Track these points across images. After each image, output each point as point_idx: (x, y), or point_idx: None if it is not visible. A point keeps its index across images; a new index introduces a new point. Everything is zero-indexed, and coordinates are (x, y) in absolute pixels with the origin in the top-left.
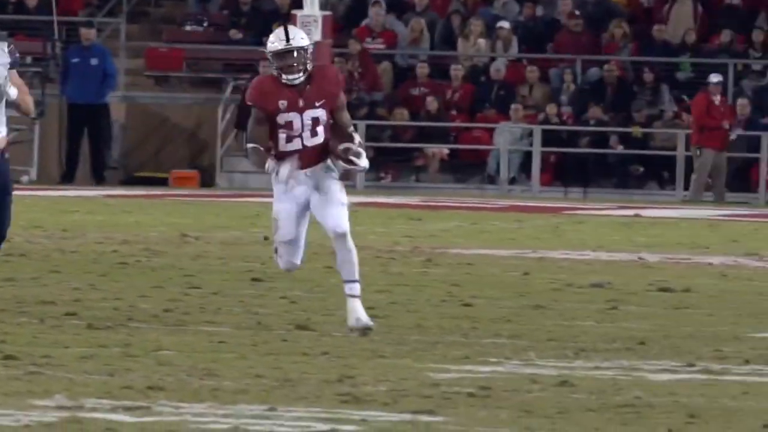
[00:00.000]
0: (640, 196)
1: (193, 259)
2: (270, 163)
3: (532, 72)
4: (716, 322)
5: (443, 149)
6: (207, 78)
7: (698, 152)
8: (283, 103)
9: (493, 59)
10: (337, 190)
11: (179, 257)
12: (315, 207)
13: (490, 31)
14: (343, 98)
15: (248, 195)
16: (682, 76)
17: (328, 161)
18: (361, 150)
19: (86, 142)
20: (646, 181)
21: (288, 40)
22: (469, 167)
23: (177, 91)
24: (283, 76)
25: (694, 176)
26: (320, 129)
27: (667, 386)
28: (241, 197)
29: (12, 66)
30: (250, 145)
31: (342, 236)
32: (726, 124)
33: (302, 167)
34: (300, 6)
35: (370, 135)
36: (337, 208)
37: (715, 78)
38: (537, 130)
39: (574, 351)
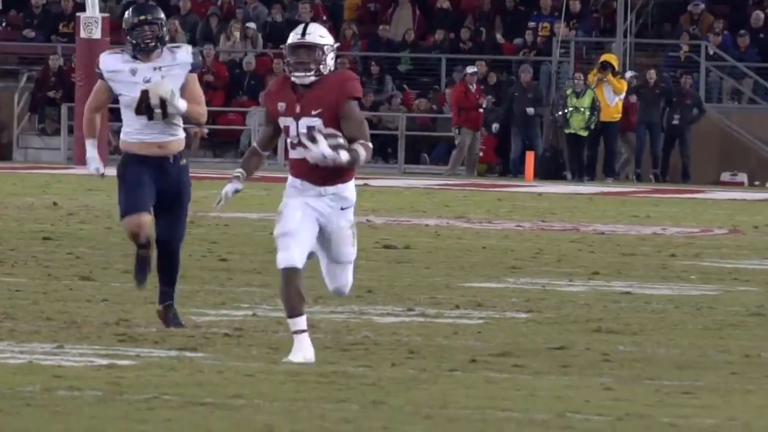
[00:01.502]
0: (369, 168)
1: None
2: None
3: (277, 64)
4: (431, 274)
5: (204, 129)
6: (5, 69)
7: (458, 131)
8: (281, 106)
9: (245, 54)
10: (348, 243)
11: None
12: (322, 245)
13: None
14: (349, 108)
15: (40, 168)
16: (403, 69)
17: (346, 190)
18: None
19: None
20: (374, 156)
21: (304, 35)
22: (225, 144)
23: None
24: (293, 74)
25: (454, 152)
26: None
27: (391, 327)
28: (34, 169)
29: (193, 69)
30: (251, 147)
31: (342, 295)
32: (484, 103)
33: (313, 181)
34: (83, 9)
35: None
36: (344, 267)
37: (470, 69)
38: None
39: (313, 298)
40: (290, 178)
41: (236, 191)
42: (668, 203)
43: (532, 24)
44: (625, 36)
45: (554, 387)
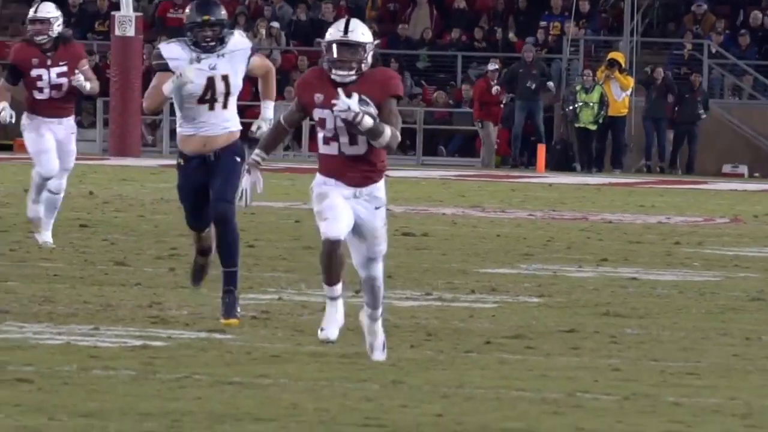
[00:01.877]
0: (389, 160)
1: None
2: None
3: (302, 61)
4: (448, 260)
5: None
6: None
7: (480, 125)
8: (318, 97)
9: (271, 51)
10: (382, 241)
11: (22, 207)
12: (356, 242)
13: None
14: (388, 104)
15: (77, 159)
16: (421, 66)
17: (377, 190)
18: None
19: None
20: None
21: (346, 32)
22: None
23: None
24: (333, 71)
25: (484, 146)
26: (361, 138)
27: (410, 311)
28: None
29: (253, 52)
30: (276, 120)
31: (374, 279)
32: (503, 99)
33: (346, 182)
34: (118, 8)
35: None
36: (377, 260)
37: (492, 66)
38: None
39: None
40: (319, 176)
41: (254, 183)
42: (673, 193)
43: (543, 23)
44: (631, 35)
45: (565, 368)
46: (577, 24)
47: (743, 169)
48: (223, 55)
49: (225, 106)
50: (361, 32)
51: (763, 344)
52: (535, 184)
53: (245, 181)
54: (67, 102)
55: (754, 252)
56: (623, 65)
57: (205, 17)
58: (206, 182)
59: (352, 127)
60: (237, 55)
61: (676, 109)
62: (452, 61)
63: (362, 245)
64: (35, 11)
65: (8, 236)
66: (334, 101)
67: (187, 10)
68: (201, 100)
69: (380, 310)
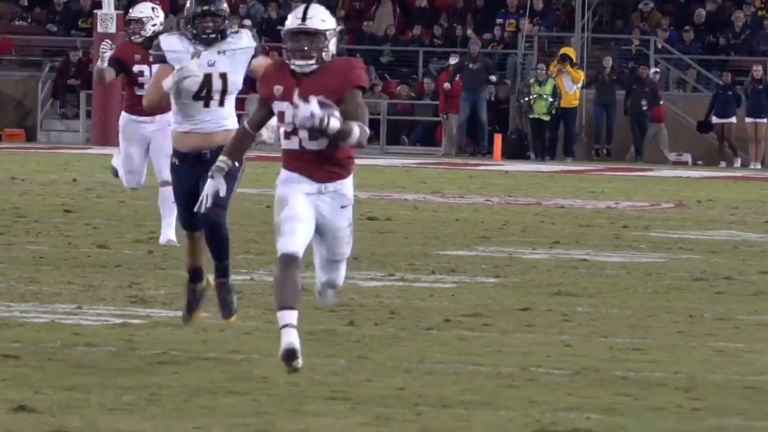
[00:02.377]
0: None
1: (20, 195)
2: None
3: (273, 58)
4: (410, 243)
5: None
6: (30, 60)
7: (446, 116)
8: (278, 89)
9: None
10: (346, 242)
11: (9, 194)
12: (318, 241)
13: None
14: (352, 96)
15: (61, 148)
16: (384, 60)
17: (344, 187)
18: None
19: None
20: None
21: (304, 19)
22: None
23: (8, 70)
24: (292, 61)
25: (445, 136)
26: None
27: (374, 290)
28: (56, 149)
29: (256, 53)
30: (241, 124)
31: (334, 287)
32: (494, 78)
33: (311, 177)
34: (100, 6)
35: None
36: (339, 264)
37: (453, 59)
38: None
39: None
40: (283, 172)
41: (217, 192)
42: (621, 180)
43: (499, 21)
44: (582, 31)
45: (519, 344)
46: (531, 21)
47: (687, 158)
48: (224, 52)
49: (221, 103)
50: (320, 19)
51: (706, 321)
52: (492, 171)
53: (208, 187)
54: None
55: (697, 235)
56: (574, 60)
57: (206, 7)
58: (199, 179)
59: (318, 132)
60: (239, 54)
61: (629, 100)
62: (414, 56)
63: (323, 246)
64: (131, 11)
65: None
66: (295, 102)
67: (187, 3)
68: (196, 97)
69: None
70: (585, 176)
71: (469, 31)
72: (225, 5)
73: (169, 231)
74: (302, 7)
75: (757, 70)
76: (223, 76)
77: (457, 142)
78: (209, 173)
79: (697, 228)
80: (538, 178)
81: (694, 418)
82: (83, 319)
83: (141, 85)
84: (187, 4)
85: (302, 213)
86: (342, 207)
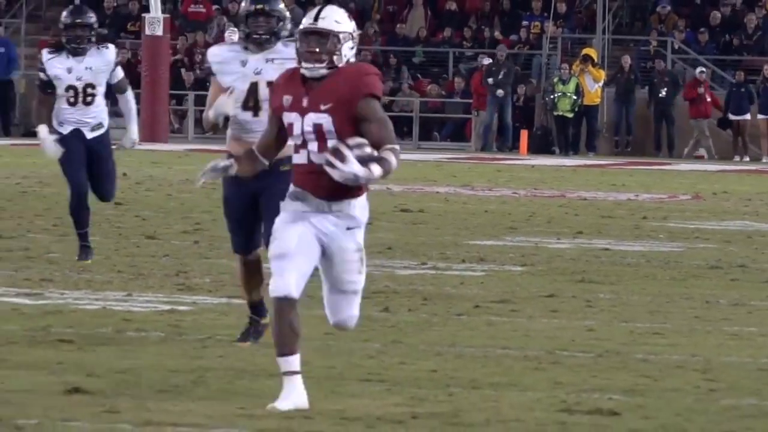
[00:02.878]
0: None
1: None
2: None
3: None
4: (441, 233)
5: None
6: None
7: (476, 113)
8: (287, 99)
9: None
10: (354, 269)
11: (64, 187)
12: (324, 269)
13: None
14: (369, 108)
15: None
16: (416, 61)
17: (353, 208)
18: (349, 156)
19: None
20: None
21: (316, 19)
22: None
23: None
24: (302, 64)
25: (475, 132)
26: (331, 144)
27: (408, 278)
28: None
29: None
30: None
31: (344, 330)
32: (500, 93)
33: (315, 192)
34: (147, 10)
35: None
36: (348, 298)
37: (486, 60)
38: None
39: None
40: (291, 186)
41: (224, 168)
42: (640, 173)
43: (525, 23)
44: (603, 33)
45: (545, 329)
46: (555, 23)
47: (703, 152)
48: (272, 61)
49: None
50: (334, 19)
51: (721, 307)
52: (519, 165)
53: (212, 163)
54: None
55: (713, 225)
56: (596, 60)
57: (259, 6)
58: (256, 195)
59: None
60: (288, 64)
61: (651, 94)
62: (444, 57)
63: (330, 273)
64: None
65: (52, 213)
66: (331, 161)
67: (243, 2)
68: (245, 107)
69: None
70: (606, 170)
71: (496, 33)
72: (281, 6)
73: None
74: (317, 7)
75: None
76: (270, 85)
77: (482, 141)
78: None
79: (712, 219)
80: (562, 172)
81: (710, 399)
82: (133, 305)
83: None
84: (242, 3)
85: (295, 246)
86: (348, 229)
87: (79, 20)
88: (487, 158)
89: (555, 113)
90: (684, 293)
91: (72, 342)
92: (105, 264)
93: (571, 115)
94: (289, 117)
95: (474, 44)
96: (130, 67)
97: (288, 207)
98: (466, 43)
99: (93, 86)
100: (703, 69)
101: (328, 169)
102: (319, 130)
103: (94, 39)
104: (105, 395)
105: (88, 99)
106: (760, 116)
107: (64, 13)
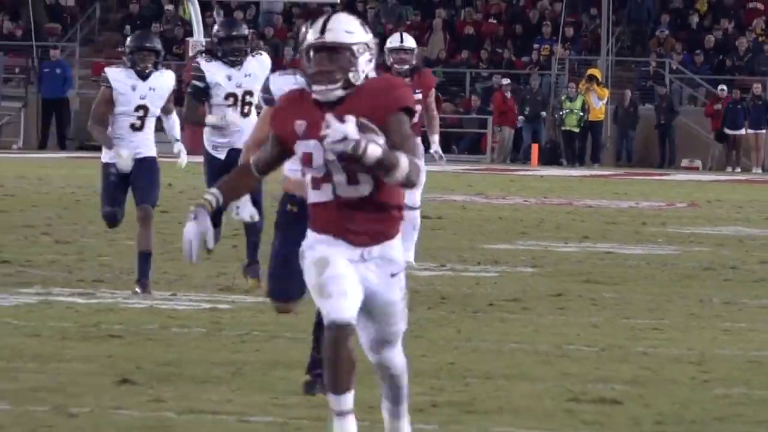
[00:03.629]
0: None
1: None
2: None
3: None
4: (459, 238)
5: None
6: None
7: (499, 129)
8: (300, 125)
9: None
10: (399, 318)
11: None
12: (363, 318)
13: None
14: (397, 122)
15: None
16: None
17: (392, 250)
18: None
19: (54, 123)
20: None
21: (323, 32)
22: None
23: None
24: (313, 87)
25: (497, 147)
26: (364, 174)
27: (427, 279)
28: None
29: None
30: (243, 161)
31: (390, 369)
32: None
33: (348, 240)
34: (191, 35)
35: None
36: (392, 347)
37: (505, 81)
38: None
39: None
40: (310, 235)
41: (203, 233)
42: (640, 183)
43: (536, 46)
44: (607, 55)
45: (553, 325)
46: (563, 46)
47: (698, 164)
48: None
49: None
50: (344, 30)
51: (714, 305)
52: (530, 176)
53: (189, 231)
54: (413, 127)
55: (707, 230)
56: (600, 79)
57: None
58: None
59: (352, 162)
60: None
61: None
62: (462, 77)
63: (372, 324)
64: (400, 41)
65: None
66: (326, 121)
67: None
68: None
69: (404, 407)
70: (610, 180)
71: (510, 55)
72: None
73: (408, 254)
74: (322, 18)
75: (757, 88)
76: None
77: (509, 153)
78: (190, 212)
79: (707, 224)
80: (569, 182)
81: (705, 388)
82: (177, 304)
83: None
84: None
85: (349, 273)
86: (392, 275)
87: (235, 33)
88: (501, 169)
89: (563, 128)
90: (680, 292)
91: (121, 337)
92: (153, 267)
93: (577, 130)
94: (306, 146)
95: (489, 65)
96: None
97: (321, 247)
98: (482, 65)
99: (251, 93)
100: (724, 87)
101: (323, 133)
102: (348, 159)
103: (249, 49)
104: (151, 386)
105: (245, 109)
106: (749, 131)
107: (218, 27)
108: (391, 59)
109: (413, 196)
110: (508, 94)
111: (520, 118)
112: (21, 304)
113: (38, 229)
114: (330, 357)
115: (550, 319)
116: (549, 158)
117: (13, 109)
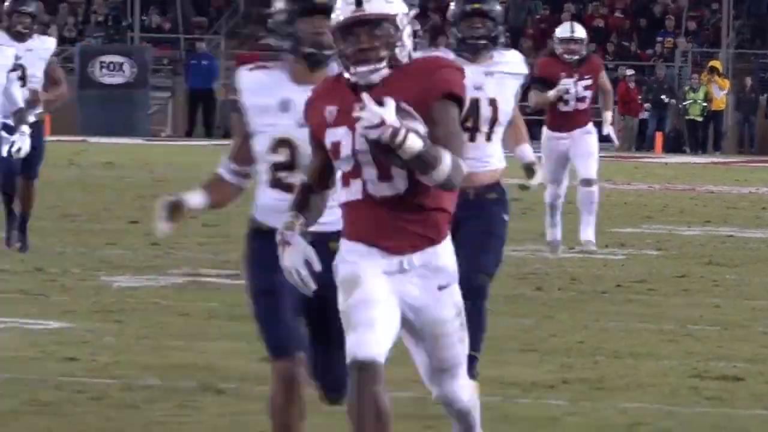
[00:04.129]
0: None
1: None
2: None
3: None
4: None
5: None
6: None
7: (623, 118)
8: (331, 111)
9: None
10: (454, 342)
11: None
12: (412, 343)
13: None
14: (442, 111)
15: None
16: None
17: (438, 257)
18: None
19: (200, 112)
20: None
21: (359, 3)
22: None
23: None
24: (350, 69)
25: (621, 135)
26: (395, 169)
27: (558, 261)
28: None
29: (524, 82)
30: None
31: (453, 405)
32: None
33: (384, 247)
34: None
35: None
36: (452, 372)
37: (629, 72)
38: None
39: None
40: (343, 243)
41: (307, 259)
42: (761, 170)
43: (659, 39)
44: (728, 47)
45: (678, 305)
46: (685, 39)
47: None
48: (491, 74)
49: (489, 138)
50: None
51: None
52: (654, 163)
53: (292, 258)
54: (585, 113)
55: None
56: (721, 71)
57: (476, 5)
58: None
59: (386, 153)
60: (508, 79)
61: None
62: None
63: (422, 350)
64: (571, 31)
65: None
66: (363, 102)
67: (451, 5)
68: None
69: None
70: (731, 167)
71: (635, 47)
72: (499, 8)
73: (589, 230)
74: None
75: None
76: (493, 103)
77: (633, 141)
78: (280, 238)
79: None
80: (692, 169)
81: None
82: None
83: (566, 102)
84: (452, 6)
85: (383, 299)
86: (440, 288)
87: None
88: (627, 156)
89: (686, 117)
90: None
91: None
92: None
93: (700, 119)
94: (334, 134)
95: (615, 57)
96: None
97: (352, 267)
98: (608, 57)
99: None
100: None
101: (356, 114)
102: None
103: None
104: None
105: None
106: None
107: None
108: (561, 49)
109: (589, 169)
110: (632, 85)
111: (646, 105)
112: (169, 285)
113: (187, 213)
114: (356, 403)
115: (675, 300)
116: (673, 146)
117: (161, 99)
